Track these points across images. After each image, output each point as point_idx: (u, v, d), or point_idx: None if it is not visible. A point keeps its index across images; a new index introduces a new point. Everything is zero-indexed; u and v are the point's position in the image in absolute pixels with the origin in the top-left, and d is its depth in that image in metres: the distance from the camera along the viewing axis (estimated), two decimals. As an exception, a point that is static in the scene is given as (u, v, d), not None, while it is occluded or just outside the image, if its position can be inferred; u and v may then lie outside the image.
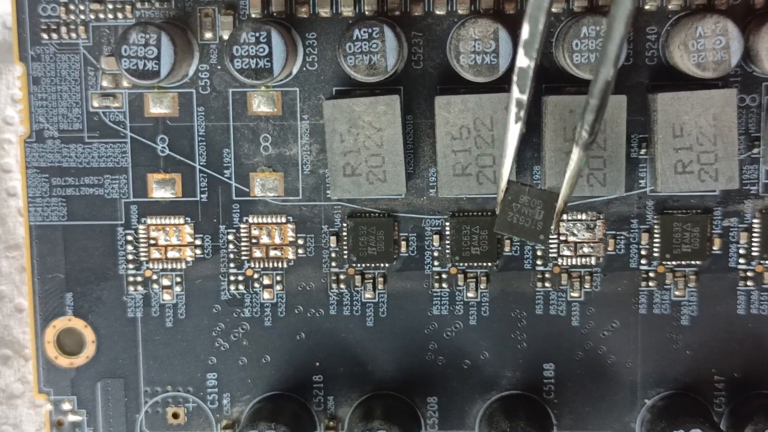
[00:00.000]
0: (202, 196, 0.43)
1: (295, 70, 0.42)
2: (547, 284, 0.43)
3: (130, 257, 0.44)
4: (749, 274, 0.43)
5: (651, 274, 0.43)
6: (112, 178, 0.43)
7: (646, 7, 0.41)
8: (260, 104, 0.43)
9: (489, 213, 0.42)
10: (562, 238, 0.43)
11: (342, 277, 0.44)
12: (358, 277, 0.43)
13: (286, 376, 0.44)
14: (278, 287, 0.44)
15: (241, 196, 0.43)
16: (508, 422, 0.42)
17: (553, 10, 0.41)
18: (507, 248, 0.43)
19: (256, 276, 0.44)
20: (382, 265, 0.43)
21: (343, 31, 0.40)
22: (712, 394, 0.44)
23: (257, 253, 0.43)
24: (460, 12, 0.41)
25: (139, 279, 0.44)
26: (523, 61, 0.34)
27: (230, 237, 0.43)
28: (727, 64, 0.39)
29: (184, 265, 0.44)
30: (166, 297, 0.44)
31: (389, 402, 0.43)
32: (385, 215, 0.43)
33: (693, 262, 0.42)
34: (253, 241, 0.43)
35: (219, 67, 0.42)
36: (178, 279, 0.44)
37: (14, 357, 0.47)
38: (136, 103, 0.43)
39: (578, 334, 0.43)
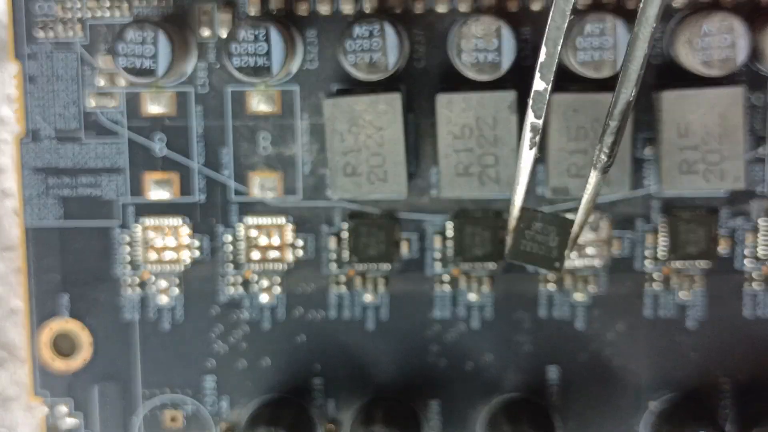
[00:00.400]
0: (200, 196, 0.43)
1: (294, 69, 0.42)
2: (550, 286, 0.43)
3: (127, 258, 0.43)
4: (755, 275, 0.43)
5: (656, 276, 0.43)
6: (109, 178, 0.43)
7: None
8: (259, 103, 0.42)
9: (492, 213, 0.42)
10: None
11: (342, 278, 0.43)
12: (358, 279, 0.43)
13: (286, 379, 0.44)
14: (278, 289, 0.43)
15: (240, 196, 0.43)
16: (511, 426, 0.41)
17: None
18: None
19: (255, 278, 0.43)
20: (383, 266, 0.42)
21: (344, 28, 0.40)
22: (717, 398, 0.43)
23: (256, 255, 0.43)
24: (461, 9, 0.41)
25: (136, 281, 0.43)
26: (540, 84, 0.33)
27: (229, 238, 0.43)
28: (733, 62, 0.39)
29: (182, 267, 0.43)
30: (164, 299, 0.43)
31: (390, 405, 0.43)
32: (386, 216, 0.43)
33: (698, 264, 0.42)
34: (252, 242, 0.43)
35: (217, 65, 0.42)
36: (176, 281, 0.43)
37: (9, 359, 0.46)
38: (133, 102, 0.42)
39: (582, 337, 0.43)
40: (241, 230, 0.43)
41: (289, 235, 0.43)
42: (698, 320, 0.43)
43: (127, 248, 0.43)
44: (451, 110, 0.40)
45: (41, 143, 0.43)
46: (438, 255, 0.43)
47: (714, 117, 0.40)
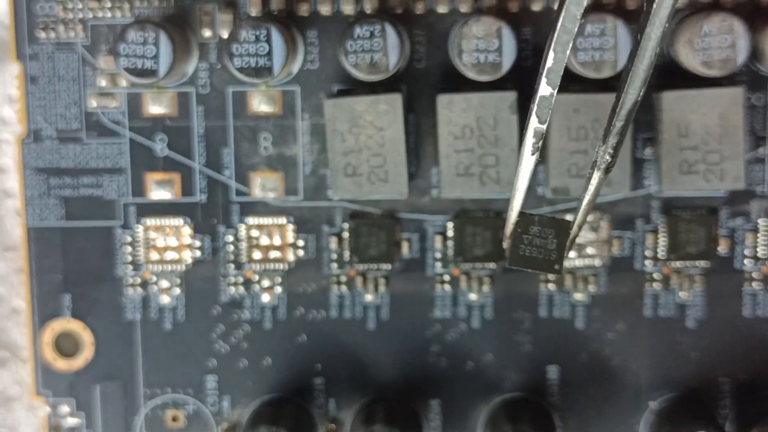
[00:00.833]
0: (202, 196, 0.43)
1: (295, 69, 0.42)
2: (551, 286, 0.43)
3: (129, 258, 0.43)
4: (755, 275, 0.43)
5: (656, 276, 0.43)
6: (110, 179, 0.43)
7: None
8: (260, 103, 0.42)
9: (493, 213, 0.42)
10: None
11: (343, 278, 0.43)
12: (359, 279, 0.43)
13: (287, 378, 0.44)
14: (279, 289, 0.43)
15: (241, 196, 0.43)
16: (511, 426, 0.41)
17: (555, 7, 0.41)
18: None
19: (256, 278, 0.43)
20: (383, 266, 0.42)
21: (344, 29, 0.40)
22: (717, 397, 0.43)
23: (257, 255, 0.43)
24: (462, 10, 0.41)
25: (137, 281, 0.43)
26: (546, 89, 0.32)
27: (230, 238, 0.43)
28: (734, 62, 0.39)
29: (183, 267, 0.43)
30: (165, 299, 0.44)
31: (391, 405, 0.43)
32: (386, 216, 0.43)
33: (698, 264, 0.42)
34: (253, 242, 0.43)
35: (218, 65, 0.42)
36: (178, 280, 0.43)
37: (11, 359, 0.46)
38: (134, 103, 0.42)
39: (582, 337, 0.43)
40: (242, 230, 0.43)
41: (290, 235, 0.43)
42: (698, 320, 0.43)
43: (129, 248, 0.43)
44: (452, 110, 0.40)
45: (43, 143, 0.43)
46: (438, 255, 0.43)
47: (714, 117, 0.40)
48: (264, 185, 0.43)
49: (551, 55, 0.32)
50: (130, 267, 0.43)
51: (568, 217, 0.42)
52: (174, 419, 0.45)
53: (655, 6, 0.30)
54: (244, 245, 0.43)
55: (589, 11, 0.40)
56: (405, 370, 0.44)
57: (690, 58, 0.39)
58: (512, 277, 0.43)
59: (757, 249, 0.43)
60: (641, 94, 0.32)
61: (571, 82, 0.40)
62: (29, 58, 0.42)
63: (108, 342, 0.44)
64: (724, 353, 0.43)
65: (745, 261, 0.43)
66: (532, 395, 0.44)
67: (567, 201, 0.41)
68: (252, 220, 0.43)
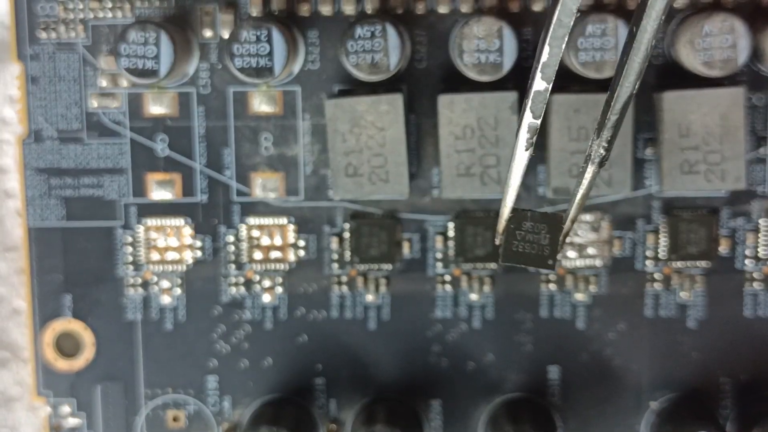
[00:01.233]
0: (203, 196, 0.43)
1: (296, 69, 0.42)
2: (551, 286, 0.43)
3: (130, 259, 0.43)
4: (756, 275, 0.43)
5: (657, 276, 0.43)
6: (111, 179, 0.43)
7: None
8: (261, 104, 0.42)
9: (493, 213, 0.42)
10: (567, 239, 0.42)
11: (344, 278, 0.43)
12: (360, 279, 0.43)
13: (288, 378, 0.44)
14: (279, 289, 0.43)
15: (242, 196, 0.43)
16: (512, 426, 0.41)
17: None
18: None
19: (257, 278, 0.43)
20: (384, 266, 0.42)
21: (345, 29, 0.40)
22: (718, 397, 0.43)
23: (258, 255, 0.43)
24: (463, 10, 0.41)
25: (138, 281, 0.43)
26: (540, 84, 0.32)
27: (231, 238, 0.43)
28: (734, 62, 0.39)
29: (184, 267, 0.43)
30: (166, 299, 0.44)
31: (392, 405, 0.43)
32: (387, 216, 0.43)
33: (699, 264, 0.42)
34: (254, 242, 0.43)
35: (219, 66, 0.42)
36: (179, 281, 0.43)
37: (12, 359, 0.46)
38: (135, 103, 0.42)
39: (583, 337, 0.43)
40: (243, 230, 0.43)
41: (290, 236, 0.43)
42: (699, 320, 0.43)
43: (130, 248, 0.43)
44: (453, 111, 0.40)
45: (43, 144, 0.43)
46: (439, 255, 0.43)
47: (715, 117, 0.40)
48: (265, 185, 0.43)
49: (546, 49, 0.31)
50: (131, 267, 0.43)
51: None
52: (175, 419, 0.45)
53: None
54: (244, 245, 0.43)
55: (590, 12, 0.40)
56: (406, 370, 0.44)
57: (691, 59, 0.39)
58: (513, 278, 0.43)
59: (758, 249, 0.43)
60: (636, 87, 0.32)
61: (571, 82, 0.40)
62: (30, 58, 0.42)
63: (109, 342, 0.44)
64: (725, 353, 0.43)
65: (746, 261, 0.43)
66: (533, 395, 0.44)
67: (568, 201, 0.41)
68: (253, 221, 0.43)
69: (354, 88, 0.41)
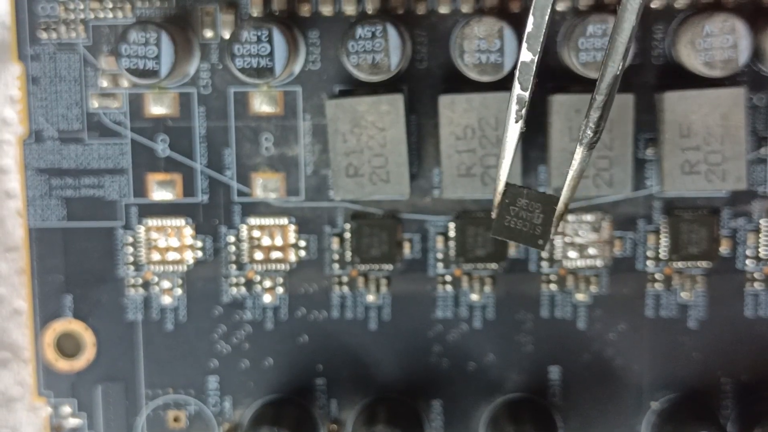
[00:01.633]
0: (203, 197, 0.43)
1: (297, 70, 0.42)
2: (552, 286, 0.43)
3: (130, 259, 0.43)
4: (757, 276, 0.43)
5: (658, 276, 0.43)
6: (112, 179, 0.43)
7: (653, 5, 0.41)
8: (262, 104, 0.42)
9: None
10: (568, 239, 0.42)
11: (344, 279, 0.43)
12: (360, 279, 0.43)
13: (289, 379, 0.44)
14: (280, 289, 0.43)
15: (243, 197, 0.43)
16: (513, 426, 0.41)
17: (559, 8, 0.41)
18: (512, 250, 0.43)
19: (257, 278, 0.43)
20: (385, 267, 0.42)
21: (346, 29, 0.40)
22: (719, 398, 0.43)
23: (259, 255, 0.43)
24: (464, 10, 0.41)
25: (139, 281, 0.43)
26: (527, 55, 0.33)
27: (231, 238, 0.43)
28: (735, 63, 0.39)
29: (184, 268, 0.43)
30: (167, 299, 0.44)
31: (392, 405, 0.43)
32: (388, 216, 0.42)
33: (700, 264, 0.42)
34: (255, 242, 0.43)
35: (220, 66, 0.42)
36: (179, 281, 0.43)
37: (13, 360, 0.46)
38: (135, 103, 0.42)
39: (584, 337, 0.43)
40: (243, 231, 0.43)
41: (291, 236, 0.43)
42: (700, 320, 0.43)
43: (130, 249, 0.43)
44: (454, 111, 0.40)
45: (44, 144, 0.43)
46: (440, 255, 0.43)
47: (716, 117, 0.40)
48: (265, 186, 0.43)
49: (530, 20, 0.32)
50: (132, 267, 0.43)
51: (571, 217, 0.42)
52: (175, 420, 0.45)
53: None
54: (245, 246, 0.43)
55: (590, 12, 0.40)
56: (406, 370, 0.44)
57: (692, 59, 0.39)
58: (514, 278, 0.43)
59: (759, 249, 0.43)
60: (621, 68, 0.32)
61: (572, 82, 0.40)
62: (31, 58, 0.42)
63: (109, 342, 0.44)
64: (726, 354, 0.43)
65: (747, 261, 0.43)
66: (533, 396, 0.44)
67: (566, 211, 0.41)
68: (253, 221, 0.43)
69: (355, 88, 0.41)
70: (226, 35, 0.42)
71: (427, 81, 0.42)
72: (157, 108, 0.42)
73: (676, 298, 0.43)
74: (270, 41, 0.39)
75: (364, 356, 0.44)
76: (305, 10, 0.41)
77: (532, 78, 0.33)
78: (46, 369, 0.44)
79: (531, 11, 0.32)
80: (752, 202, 0.42)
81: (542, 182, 0.42)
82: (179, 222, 0.43)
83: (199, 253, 0.43)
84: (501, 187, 0.36)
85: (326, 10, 0.41)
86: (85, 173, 0.43)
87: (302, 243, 0.43)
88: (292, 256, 0.43)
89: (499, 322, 0.43)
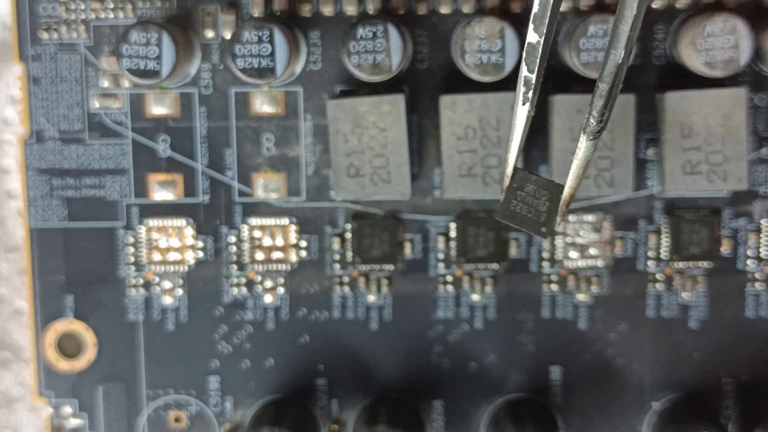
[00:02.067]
0: (204, 197, 0.43)
1: (298, 70, 0.42)
2: (553, 286, 0.43)
3: (131, 259, 0.43)
4: (758, 276, 0.43)
5: (659, 276, 0.43)
6: (113, 180, 0.43)
7: (654, 5, 0.41)
8: (263, 104, 0.42)
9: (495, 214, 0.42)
10: (569, 239, 0.42)
11: (345, 279, 0.43)
12: (361, 280, 0.43)
13: (290, 379, 0.44)
14: (281, 290, 0.43)
15: (244, 197, 0.43)
16: (514, 426, 0.41)
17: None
18: (513, 250, 0.43)
19: (258, 278, 0.43)
20: (386, 267, 0.42)
21: (347, 30, 0.40)
22: (720, 398, 0.43)
23: (260, 255, 0.43)
24: (465, 11, 0.41)
25: (140, 281, 0.43)
26: (533, 36, 0.33)
27: (232, 239, 0.43)
28: (737, 63, 0.39)
29: (186, 268, 0.43)
30: (168, 300, 0.43)
31: (393, 406, 0.43)
32: (389, 217, 0.42)
33: (701, 264, 0.42)
34: (256, 242, 0.43)
35: (221, 66, 0.42)
36: (180, 281, 0.43)
37: (14, 360, 0.46)
38: (136, 104, 0.42)
39: (585, 337, 0.43)
40: (244, 231, 0.43)
41: (292, 236, 0.43)
42: (701, 320, 0.43)
43: (131, 249, 0.43)
44: (455, 111, 0.40)
45: (45, 144, 0.43)
46: (441, 256, 0.43)
47: (717, 118, 0.40)
48: (266, 186, 0.43)
49: (536, 1, 0.32)
50: (133, 268, 0.43)
51: (572, 217, 0.42)
52: (176, 420, 0.44)
53: None
54: (246, 246, 0.43)
55: (592, 12, 0.40)
56: (407, 370, 0.44)
57: (693, 59, 0.39)
58: (515, 278, 0.43)
59: (760, 250, 0.43)
60: (623, 56, 0.31)
61: (573, 82, 0.40)
62: (32, 59, 0.42)
63: (110, 343, 0.44)
64: (727, 354, 0.43)
65: (748, 262, 0.43)
66: (534, 396, 0.44)
67: (571, 201, 0.41)
68: (254, 221, 0.43)
69: (356, 88, 0.41)
70: (227, 35, 0.42)
71: (428, 81, 0.42)
72: (158, 108, 0.42)
73: (677, 298, 0.43)
74: (271, 41, 0.39)
75: (365, 356, 0.44)
76: (306, 11, 0.41)
77: (538, 60, 0.33)
78: (47, 369, 0.44)
79: None
80: (753, 202, 0.42)
81: (543, 182, 0.42)
82: (180, 222, 0.43)
83: (200, 254, 0.43)
84: (509, 170, 0.36)
85: (327, 10, 0.41)
86: (86, 173, 0.43)
87: (303, 243, 0.43)
88: (293, 257, 0.43)
89: (500, 322, 0.43)
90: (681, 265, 0.42)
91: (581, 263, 0.43)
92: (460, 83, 0.40)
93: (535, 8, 0.32)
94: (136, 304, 0.44)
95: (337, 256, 0.43)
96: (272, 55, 0.39)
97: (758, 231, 0.42)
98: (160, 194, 0.43)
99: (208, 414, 0.44)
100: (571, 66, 0.40)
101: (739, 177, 0.40)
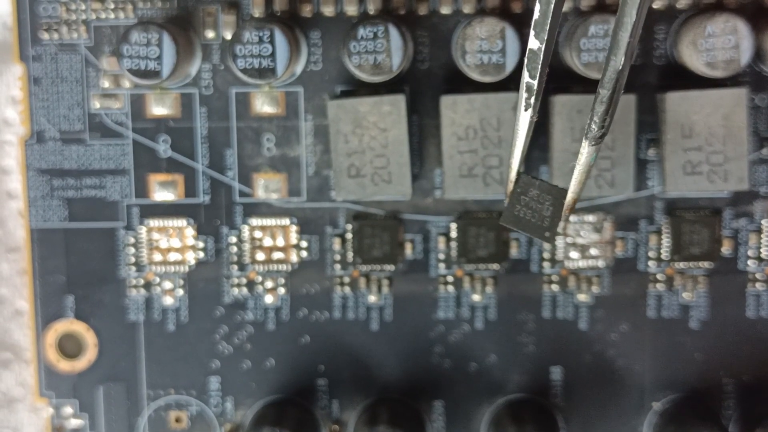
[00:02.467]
0: (205, 197, 0.43)
1: (298, 70, 0.42)
2: (554, 287, 0.43)
3: (132, 260, 0.43)
4: (758, 276, 0.43)
5: (659, 277, 0.43)
6: (114, 180, 0.43)
7: (655, 5, 0.41)
8: (263, 104, 0.42)
9: (496, 214, 0.42)
10: (570, 240, 0.42)
11: (346, 279, 0.43)
12: (362, 280, 0.43)
13: (290, 379, 0.44)
14: (282, 290, 0.43)
15: (244, 197, 0.43)
16: (514, 426, 0.41)
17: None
18: (514, 250, 0.43)
19: (259, 279, 0.43)
20: (386, 267, 0.42)
21: (348, 30, 0.40)
22: (720, 398, 0.43)
23: (260, 256, 0.43)
24: (465, 11, 0.41)
25: (141, 282, 0.43)
26: (534, 43, 0.33)
27: (233, 239, 0.43)
28: (737, 63, 0.39)
29: (186, 268, 0.43)
30: (168, 300, 0.43)
31: (394, 406, 0.43)
32: (390, 217, 0.42)
33: (702, 264, 0.42)
34: (256, 243, 0.43)
35: (222, 67, 0.42)
36: (181, 282, 0.43)
37: (15, 360, 0.46)
38: (137, 104, 0.42)
39: (586, 338, 0.43)
40: (245, 231, 0.43)
41: (293, 237, 0.43)
42: (701, 321, 0.43)
43: (132, 249, 0.43)
44: (456, 111, 0.40)
45: (46, 145, 0.43)
46: (442, 256, 0.43)
47: (718, 118, 0.40)
48: (267, 186, 0.43)
49: (537, 7, 0.32)
50: (133, 268, 0.43)
51: (573, 218, 0.42)
52: (177, 420, 0.44)
53: None
54: (247, 246, 0.43)
55: (592, 12, 0.40)
56: (408, 371, 0.44)
57: (694, 59, 0.39)
58: (515, 278, 0.43)
59: (761, 250, 0.42)
60: (623, 62, 0.31)
61: (574, 83, 0.40)
62: (32, 59, 0.42)
63: (111, 343, 0.44)
64: (728, 354, 0.43)
65: (749, 262, 0.43)
66: (535, 396, 0.44)
67: (575, 205, 0.41)
68: (255, 221, 0.43)
69: (356, 88, 0.41)
70: (228, 36, 0.42)
71: (428, 81, 0.42)
72: (158, 108, 0.42)
73: (677, 298, 0.43)
74: (272, 42, 0.39)
75: (365, 357, 0.44)
76: (307, 11, 0.41)
77: (540, 66, 0.33)
78: (47, 370, 0.44)
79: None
80: (754, 202, 0.42)
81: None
82: (181, 223, 0.43)
83: (201, 254, 0.43)
84: (513, 175, 0.36)
85: (328, 10, 0.41)
86: (87, 174, 0.43)
87: (304, 243, 0.43)
88: (293, 257, 0.43)
89: (500, 322, 0.43)
90: (682, 265, 0.42)
91: (582, 263, 0.43)
92: (461, 83, 0.40)
93: (536, 15, 0.32)
94: (136, 304, 0.44)
95: (337, 257, 0.43)
96: (273, 55, 0.39)
97: (759, 231, 0.42)
98: (161, 194, 0.43)
99: (209, 414, 0.44)
100: (571, 66, 0.40)
101: (740, 177, 0.40)
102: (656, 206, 0.42)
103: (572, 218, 0.42)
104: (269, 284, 0.43)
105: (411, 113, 0.41)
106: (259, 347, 0.44)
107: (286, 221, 0.43)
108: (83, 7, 0.42)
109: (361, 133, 0.40)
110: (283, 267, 0.43)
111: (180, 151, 0.43)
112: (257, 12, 0.41)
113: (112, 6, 0.42)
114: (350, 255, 0.43)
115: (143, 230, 0.43)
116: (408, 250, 0.43)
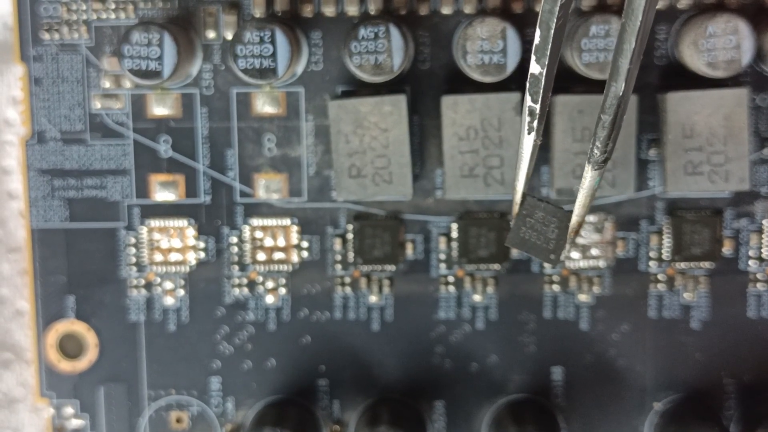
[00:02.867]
0: (206, 198, 0.43)
1: (299, 70, 0.42)
2: (555, 287, 0.43)
3: (133, 260, 0.43)
4: (760, 276, 0.43)
5: (660, 277, 0.43)
6: (114, 180, 0.43)
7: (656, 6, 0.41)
8: (264, 105, 0.42)
9: (497, 214, 0.42)
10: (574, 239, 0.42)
11: (347, 280, 0.43)
12: (363, 280, 0.43)
13: (291, 380, 0.44)
14: (283, 290, 0.43)
15: (245, 197, 0.43)
16: (515, 427, 0.41)
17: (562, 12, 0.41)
18: (515, 251, 0.43)
19: (260, 279, 0.43)
20: (387, 267, 0.42)
21: (349, 30, 0.40)
22: (721, 398, 0.43)
23: (261, 256, 0.43)
24: (466, 11, 0.41)
25: (141, 282, 0.43)
26: (536, 68, 0.33)
27: (234, 239, 0.43)
28: (738, 63, 0.39)
29: (187, 268, 0.43)
30: (169, 300, 0.43)
31: (395, 406, 0.43)
32: (391, 217, 0.42)
33: (703, 265, 0.42)
34: (257, 243, 0.43)
35: (222, 67, 0.42)
36: (182, 282, 0.43)
37: (15, 361, 0.46)
38: (138, 104, 0.42)
39: (587, 338, 0.43)
40: (246, 231, 0.43)
41: (294, 237, 0.43)
42: (702, 321, 0.43)
43: (133, 250, 0.43)
44: (456, 112, 0.40)
45: (47, 145, 0.43)
46: (443, 256, 0.43)
47: (719, 118, 0.40)
48: (268, 186, 0.43)
49: (537, 33, 0.32)
50: (134, 268, 0.43)
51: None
52: (178, 421, 0.44)
53: None
54: (248, 246, 0.43)
55: (593, 12, 0.40)
56: (409, 371, 0.44)
57: (695, 59, 0.39)
58: (516, 279, 0.43)
59: (762, 250, 0.42)
60: (623, 88, 0.31)
61: (575, 83, 0.40)
62: (33, 59, 0.42)
63: (112, 343, 0.44)
64: (729, 354, 0.43)
65: (750, 262, 0.43)
66: (536, 396, 0.44)
67: (572, 202, 0.41)
68: (256, 222, 0.43)
69: (357, 89, 0.41)
70: (229, 36, 0.42)
71: (429, 82, 0.42)
72: (159, 109, 0.42)
73: (678, 298, 0.43)
74: (273, 42, 0.39)
75: (366, 357, 0.44)
76: (308, 11, 0.41)
77: (542, 90, 0.33)
78: (48, 370, 0.44)
79: (537, 24, 0.32)
80: (755, 202, 0.42)
81: (545, 183, 0.42)
82: (182, 223, 0.43)
83: (202, 254, 0.43)
84: (518, 197, 0.36)
85: (329, 10, 0.41)
86: (88, 174, 0.43)
87: (305, 244, 0.43)
88: (294, 257, 0.43)
89: (501, 322, 0.43)
90: (683, 265, 0.42)
91: (583, 264, 0.43)
92: (462, 84, 0.40)
93: (537, 40, 0.32)
94: (137, 304, 0.44)
95: (338, 257, 0.43)
96: (274, 55, 0.39)
97: (760, 231, 0.42)
98: (162, 195, 0.43)
99: (210, 415, 0.44)
100: (572, 66, 0.40)
101: (741, 177, 0.40)
102: (657, 206, 0.42)
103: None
104: (270, 284, 0.43)
105: (412, 113, 0.41)
106: (260, 347, 0.44)
107: (286, 221, 0.43)
108: (84, 7, 0.42)
109: (362, 134, 0.40)
110: (284, 267, 0.43)
111: (181, 152, 0.43)
112: (258, 12, 0.41)
113: (113, 6, 0.42)
114: (351, 255, 0.43)
115: (144, 230, 0.43)
116: (409, 250, 0.43)
